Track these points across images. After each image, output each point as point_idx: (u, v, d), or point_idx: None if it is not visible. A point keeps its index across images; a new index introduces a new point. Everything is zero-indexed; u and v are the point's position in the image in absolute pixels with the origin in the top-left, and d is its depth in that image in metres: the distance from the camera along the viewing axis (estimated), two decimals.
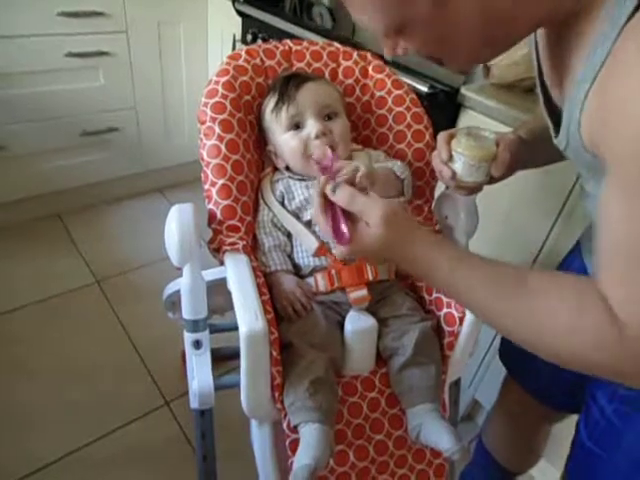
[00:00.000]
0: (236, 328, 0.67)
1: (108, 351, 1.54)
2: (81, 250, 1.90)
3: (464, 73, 0.58)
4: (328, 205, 0.61)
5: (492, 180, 0.74)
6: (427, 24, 0.49)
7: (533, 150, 0.76)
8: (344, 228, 0.59)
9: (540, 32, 0.61)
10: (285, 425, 0.73)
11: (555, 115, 0.61)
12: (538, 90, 0.65)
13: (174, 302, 0.84)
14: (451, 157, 0.72)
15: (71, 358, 1.49)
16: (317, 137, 0.80)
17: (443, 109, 1.13)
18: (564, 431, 0.91)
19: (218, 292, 0.77)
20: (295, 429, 0.71)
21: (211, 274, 0.78)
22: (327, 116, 0.82)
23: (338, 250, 0.62)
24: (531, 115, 0.90)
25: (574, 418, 0.82)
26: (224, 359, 1.30)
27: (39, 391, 1.39)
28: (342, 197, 0.59)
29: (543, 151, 0.74)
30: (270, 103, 0.84)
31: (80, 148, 1.91)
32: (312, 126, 0.80)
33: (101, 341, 1.57)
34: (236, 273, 0.72)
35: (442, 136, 0.73)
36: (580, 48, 0.49)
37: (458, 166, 0.71)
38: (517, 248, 1.15)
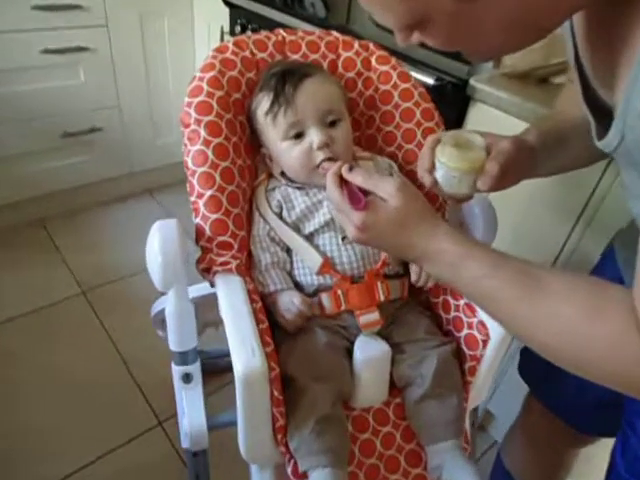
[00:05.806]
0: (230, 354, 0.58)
1: (96, 367, 1.44)
2: (66, 258, 1.80)
3: (484, 62, 0.55)
4: (343, 185, 0.61)
5: (494, 189, 0.64)
6: (451, 19, 0.45)
7: (544, 157, 0.67)
8: (360, 195, 0.59)
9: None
10: (290, 470, 0.64)
11: (598, 109, 0.52)
12: (576, 80, 0.55)
13: (163, 320, 0.76)
14: (434, 165, 0.65)
15: (57, 374, 1.40)
16: (320, 148, 0.72)
17: (451, 102, 1.04)
18: (595, 452, 0.84)
19: (210, 305, 0.69)
20: (303, 475, 0.62)
21: (201, 289, 0.71)
22: (330, 122, 0.74)
23: (351, 229, 0.58)
24: (548, 111, 0.80)
25: (608, 440, 0.75)
26: (216, 373, 1.22)
27: (27, 410, 1.30)
28: (358, 173, 0.60)
29: (558, 157, 0.66)
30: (263, 103, 0.74)
31: (62, 150, 1.82)
32: (315, 135, 0.72)
33: (88, 356, 1.47)
34: (229, 299, 0.63)
35: (428, 141, 0.67)
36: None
37: (439, 175, 0.64)
38: (533, 252, 1.06)
